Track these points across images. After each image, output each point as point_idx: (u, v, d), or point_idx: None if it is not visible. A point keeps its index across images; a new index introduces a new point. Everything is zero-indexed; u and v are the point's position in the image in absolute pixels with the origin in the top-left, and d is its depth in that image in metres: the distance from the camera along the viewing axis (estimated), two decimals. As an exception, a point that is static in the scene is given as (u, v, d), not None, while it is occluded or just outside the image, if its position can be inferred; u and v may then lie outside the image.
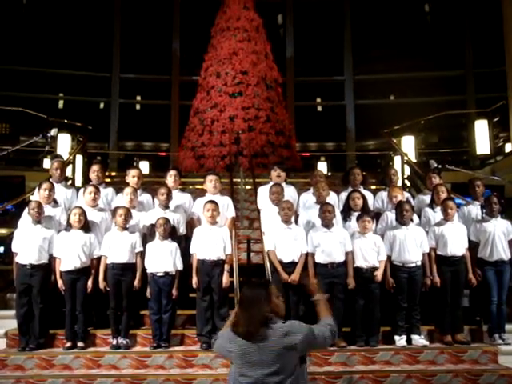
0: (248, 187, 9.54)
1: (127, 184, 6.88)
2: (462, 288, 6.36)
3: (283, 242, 6.24)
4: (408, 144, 11.46)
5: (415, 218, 6.72)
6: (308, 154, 16.18)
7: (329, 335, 3.20)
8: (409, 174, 10.22)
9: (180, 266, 6.17)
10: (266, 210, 6.92)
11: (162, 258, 6.10)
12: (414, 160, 10.75)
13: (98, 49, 16.86)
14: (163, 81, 17.16)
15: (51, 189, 6.53)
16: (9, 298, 6.86)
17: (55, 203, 6.63)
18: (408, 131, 11.66)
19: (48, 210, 6.42)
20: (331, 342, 3.31)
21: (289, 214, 6.36)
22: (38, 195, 6.62)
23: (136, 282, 6.11)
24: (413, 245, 6.25)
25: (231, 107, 12.46)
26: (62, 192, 6.88)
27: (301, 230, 6.40)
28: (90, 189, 6.61)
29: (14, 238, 6.23)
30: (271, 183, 7.16)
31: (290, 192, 7.12)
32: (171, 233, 6.27)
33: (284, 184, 7.25)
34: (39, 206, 6.19)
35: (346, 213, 6.77)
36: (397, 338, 6.12)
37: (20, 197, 8.31)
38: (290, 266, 6.16)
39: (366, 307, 6.14)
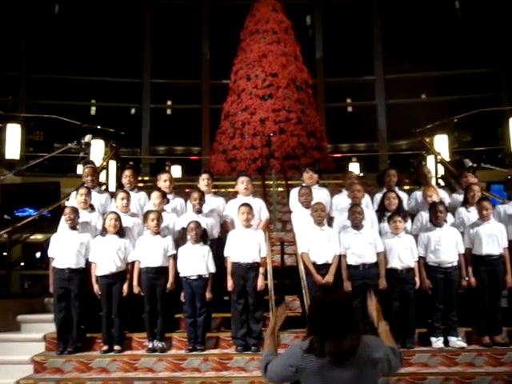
0: (280, 189, 9.53)
1: (159, 189, 6.92)
2: (499, 289, 6.23)
3: (316, 244, 6.22)
4: (441, 143, 11.28)
5: (450, 217, 6.61)
6: (340, 155, 16.08)
7: (400, 358, 2.95)
8: (442, 173, 10.09)
9: (213, 269, 6.18)
10: (297, 212, 6.90)
11: (195, 262, 6.11)
12: (448, 159, 10.60)
13: (128, 55, 17.06)
14: (194, 85, 17.28)
15: (88, 194, 6.62)
16: (46, 302, 6.98)
17: (92, 209, 6.71)
18: (441, 130, 11.49)
19: (84, 216, 6.50)
20: (400, 367, 3.00)
21: (322, 215, 6.33)
22: (74, 201, 6.71)
23: (169, 285, 6.13)
24: (448, 245, 6.16)
25: (262, 110, 12.47)
26: (96, 197, 6.94)
27: (334, 232, 6.36)
28: (121, 195, 6.66)
29: (51, 243, 6.32)
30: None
31: (323, 194, 7.08)
32: (203, 236, 6.28)
33: (317, 186, 7.23)
34: (73, 211, 6.26)
35: (381, 213, 6.72)
36: (433, 339, 6.03)
37: (55, 203, 8.42)
38: (323, 268, 6.14)
39: (402, 308, 6.06)
